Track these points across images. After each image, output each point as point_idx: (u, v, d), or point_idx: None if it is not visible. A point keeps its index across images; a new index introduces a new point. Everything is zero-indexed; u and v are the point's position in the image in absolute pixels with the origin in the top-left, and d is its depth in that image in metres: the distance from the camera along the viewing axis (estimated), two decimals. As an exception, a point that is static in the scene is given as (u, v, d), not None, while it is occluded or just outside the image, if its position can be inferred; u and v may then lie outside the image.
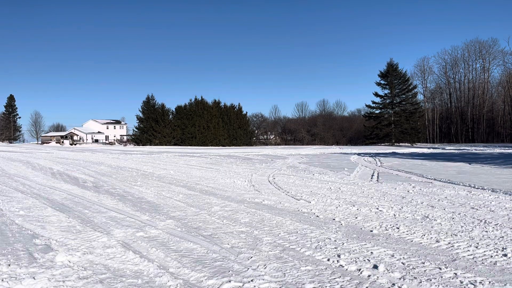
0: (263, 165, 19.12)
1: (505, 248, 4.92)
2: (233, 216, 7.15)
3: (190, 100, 78.19)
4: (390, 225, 6.28)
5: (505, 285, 3.79)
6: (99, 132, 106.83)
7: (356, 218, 6.85)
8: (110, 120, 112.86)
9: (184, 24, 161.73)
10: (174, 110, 78.17)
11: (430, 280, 3.93)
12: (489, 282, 3.86)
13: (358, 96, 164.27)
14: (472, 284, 3.82)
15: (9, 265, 4.47)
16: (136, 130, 79.13)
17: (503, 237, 5.49)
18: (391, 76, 66.23)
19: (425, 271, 4.19)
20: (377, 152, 33.30)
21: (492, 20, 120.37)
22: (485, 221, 6.46)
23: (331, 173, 14.72)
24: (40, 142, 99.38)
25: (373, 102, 68.18)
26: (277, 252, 4.93)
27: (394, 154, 28.87)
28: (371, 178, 13.17)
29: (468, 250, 4.89)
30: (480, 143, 61.33)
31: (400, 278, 3.99)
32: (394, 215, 7.06)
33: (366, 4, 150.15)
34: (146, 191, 10.52)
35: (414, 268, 4.27)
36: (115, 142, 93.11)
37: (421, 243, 5.25)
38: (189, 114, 75.17)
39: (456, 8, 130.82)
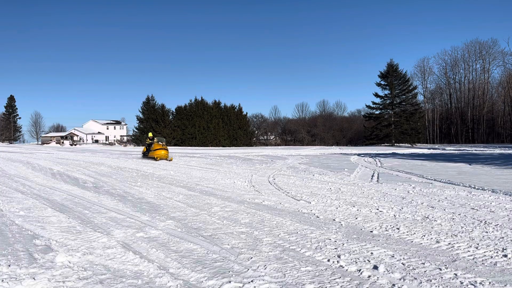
0: (263, 166, 19.12)
1: (505, 249, 4.91)
2: (233, 217, 7.14)
3: (190, 101, 78.30)
4: (390, 225, 6.28)
5: (505, 285, 3.79)
6: (99, 132, 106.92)
7: (356, 218, 6.85)
8: (110, 120, 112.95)
9: (184, 25, 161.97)
10: (174, 110, 78.24)
11: (430, 280, 3.93)
12: (489, 282, 3.86)
13: (358, 96, 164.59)
14: (472, 284, 3.82)
15: (9, 265, 4.47)
16: (136, 130, 79.10)
17: (503, 237, 5.48)
18: (391, 76, 66.26)
19: (425, 271, 4.19)
20: (377, 152, 33.29)
21: (492, 20, 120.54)
22: (485, 221, 6.45)
23: (331, 174, 14.71)
24: (40, 143, 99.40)
25: (373, 103, 68.27)
26: (277, 253, 4.93)
27: (394, 155, 28.86)
28: (371, 178, 13.17)
29: (468, 251, 4.89)
30: (480, 143, 61.33)
31: (400, 279, 3.99)
32: (394, 215, 7.06)
33: (366, 4, 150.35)
34: (146, 192, 10.51)
35: (414, 269, 4.27)
36: (115, 142, 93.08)
37: (421, 243, 5.25)
38: (189, 114, 75.17)
39: (456, 8, 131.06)
